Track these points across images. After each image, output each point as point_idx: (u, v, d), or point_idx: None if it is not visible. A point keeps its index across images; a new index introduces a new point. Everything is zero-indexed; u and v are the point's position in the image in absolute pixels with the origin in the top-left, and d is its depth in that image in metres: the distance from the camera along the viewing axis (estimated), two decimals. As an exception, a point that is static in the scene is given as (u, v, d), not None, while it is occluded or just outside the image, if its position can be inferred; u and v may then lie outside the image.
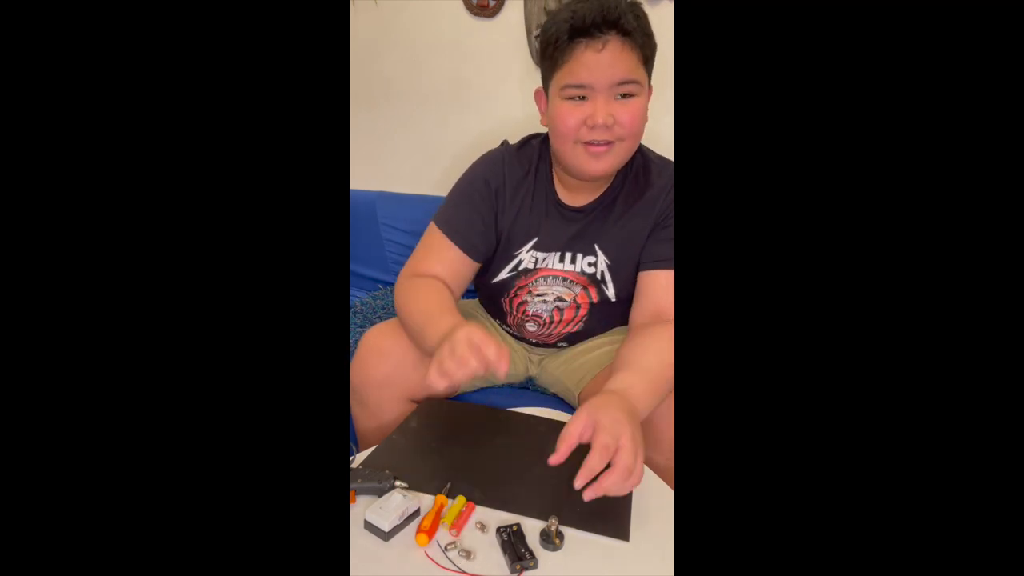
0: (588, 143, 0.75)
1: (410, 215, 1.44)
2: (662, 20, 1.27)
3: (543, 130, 0.85)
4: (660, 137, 1.34)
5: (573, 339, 0.95)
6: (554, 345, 0.97)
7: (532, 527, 0.59)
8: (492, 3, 1.34)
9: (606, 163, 0.77)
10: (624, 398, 0.64)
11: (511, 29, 1.35)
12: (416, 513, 0.59)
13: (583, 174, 0.79)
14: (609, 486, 0.56)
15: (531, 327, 0.93)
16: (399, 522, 0.57)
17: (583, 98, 0.74)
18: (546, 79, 0.80)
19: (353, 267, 1.53)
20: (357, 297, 1.47)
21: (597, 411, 0.60)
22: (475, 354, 0.61)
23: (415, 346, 0.80)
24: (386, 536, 0.57)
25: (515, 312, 0.92)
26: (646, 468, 0.70)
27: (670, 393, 0.72)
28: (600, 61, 0.72)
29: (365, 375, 0.83)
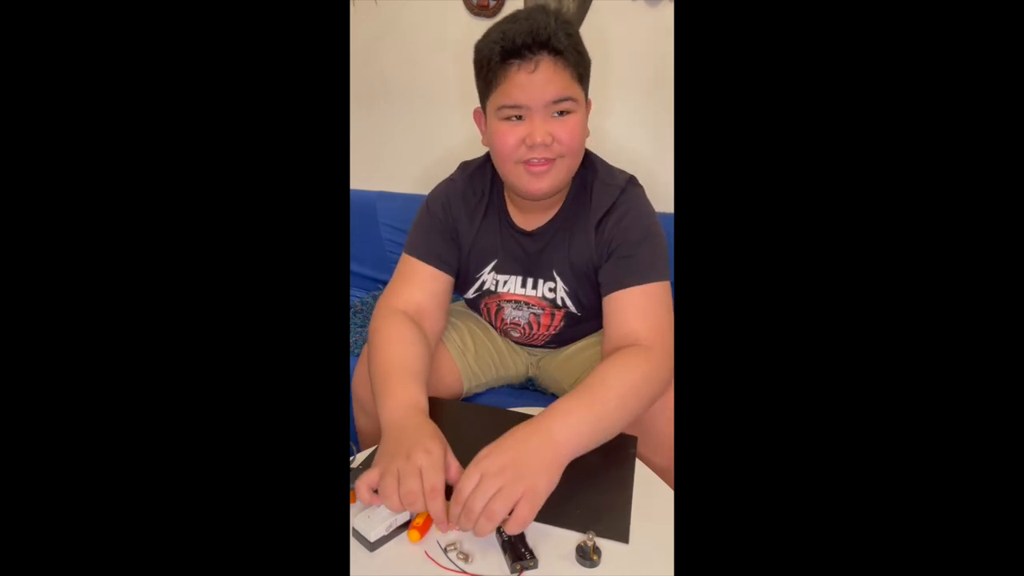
0: (528, 162, 0.75)
1: (410, 215, 1.43)
2: (662, 20, 1.28)
3: None
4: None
5: (561, 340, 0.95)
6: (544, 346, 0.97)
7: (531, 527, 0.59)
8: (492, 3, 1.34)
9: (547, 182, 0.77)
10: (540, 427, 0.61)
11: (511, 29, 1.35)
12: (405, 525, 0.58)
13: (526, 194, 0.79)
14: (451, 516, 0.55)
15: (514, 333, 0.94)
16: (385, 533, 0.56)
17: (520, 118, 0.74)
18: (483, 99, 0.79)
19: (353, 267, 1.53)
20: (357, 297, 1.47)
21: (484, 459, 0.58)
22: (415, 499, 0.56)
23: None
24: (371, 547, 0.55)
25: (495, 321, 0.94)
26: (646, 468, 0.70)
27: (621, 412, 0.67)
28: (533, 81, 0.71)
29: (368, 384, 0.83)
